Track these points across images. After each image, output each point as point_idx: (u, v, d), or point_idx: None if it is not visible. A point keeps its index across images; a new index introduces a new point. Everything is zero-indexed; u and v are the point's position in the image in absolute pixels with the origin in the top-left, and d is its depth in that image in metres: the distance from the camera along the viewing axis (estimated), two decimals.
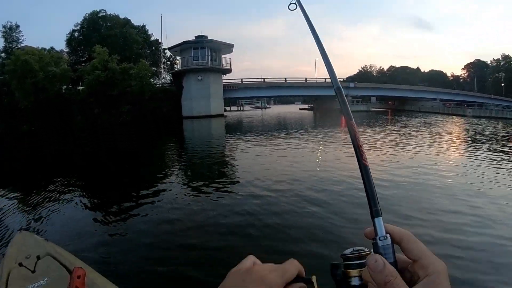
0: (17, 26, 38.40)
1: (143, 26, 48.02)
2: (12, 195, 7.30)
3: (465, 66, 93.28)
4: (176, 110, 34.20)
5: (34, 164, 11.98)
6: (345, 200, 5.88)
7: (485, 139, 15.48)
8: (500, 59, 74.34)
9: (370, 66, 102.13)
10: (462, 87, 78.17)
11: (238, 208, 5.65)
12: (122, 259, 3.91)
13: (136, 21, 50.48)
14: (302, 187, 6.84)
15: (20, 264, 2.14)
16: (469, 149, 12.54)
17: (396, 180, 7.17)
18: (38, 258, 2.22)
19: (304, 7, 0.86)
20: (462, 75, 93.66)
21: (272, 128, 24.82)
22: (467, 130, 21.42)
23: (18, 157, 14.51)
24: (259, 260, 0.53)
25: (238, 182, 7.73)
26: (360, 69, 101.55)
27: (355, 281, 0.47)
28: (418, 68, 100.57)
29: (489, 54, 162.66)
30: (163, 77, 46.39)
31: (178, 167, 10.50)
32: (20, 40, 38.33)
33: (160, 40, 48.73)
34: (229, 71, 38.19)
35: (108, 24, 41.43)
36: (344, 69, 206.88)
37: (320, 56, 0.71)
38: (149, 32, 48.60)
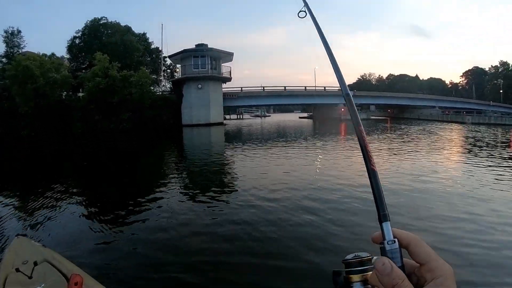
0: (19, 32, 38.63)
1: (144, 34, 48.35)
2: (10, 200, 7.28)
3: (463, 73, 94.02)
4: (176, 118, 34.27)
5: (32, 169, 11.96)
6: (344, 208, 5.86)
7: (485, 146, 15.48)
8: (498, 66, 74.85)
9: (369, 75, 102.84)
10: (461, 94, 78.53)
11: (235, 216, 5.63)
12: (120, 265, 3.88)
13: (136, 29, 50.95)
14: (300, 195, 6.82)
15: (17, 270, 2.13)
16: (469, 156, 12.54)
17: (396, 188, 7.15)
18: (35, 264, 2.20)
19: (314, 15, 0.88)
20: (461, 82, 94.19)
21: (272, 136, 24.84)
22: (466, 137, 21.45)
23: (16, 161, 14.48)
24: None
25: (236, 190, 7.71)
26: (359, 77, 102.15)
27: (357, 286, 0.47)
28: (416, 76, 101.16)
29: (487, 61, 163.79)
30: (163, 85, 46.66)
31: (176, 175, 10.48)
32: (22, 46, 38.51)
33: (160, 48, 49.04)
34: (229, 79, 38.36)
35: (109, 31, 41.71)
36: (344, 78, 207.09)
37: (330, 62, 0.72)
38: (150, 40, 48.99)
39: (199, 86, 34.55)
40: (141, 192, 7.77)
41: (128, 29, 43.88)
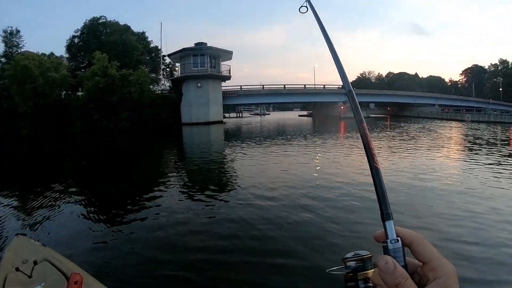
0: (18, 31, 38.49)
1: (143, 33, 48.28)
2: (9, 199, 7.28)
3: (463, 71, 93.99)
4: (175, 117, 34.27)
5: (32, 169, 11.95)
6: (344, 206, 5.87)
7: (484, 144, 15.49)
8: (498, 64, 74.79)
9: (369, 73, 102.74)
10: (460, 92, 78.42)
11: (234, 214, 5.64)
12: (119, 264, 3.89)
13: (136, 28, 50.89)
14: (299, 193, 6.82)
15: (17, 269, 2.13)
16: (469, 154, 12.56)
17: (395, 186, 7.16)
18: (35, 263, 2.20)
19: (316, 9, 0.87)
20: (460, 80, 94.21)
21: (271, 134, 24.83)
22: (466, 135, 21.45)
23: (16, 161, 14.47)
24: None
25: (235, 188, 7.71)
26: (359, 75, 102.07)
27: (361, 284, 0.47)
28: (416, 74, 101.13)
29: (487, 59, 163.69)
30: (163, 84, 46.57)
31: (175, 173, 10.47)
32: (20, 45, 38.36)
33: (159, 47, 48.98)
34: (228, 78, 38.34)
35: (108, 30, 41.61)
36: None
37: (332, 58, 0.70)
38: (149, 39, 48.91)
39: (199, 84, 34.53)
40: (140, 191, 7.78)
41: (127, 28, 43.78)
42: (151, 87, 36.82)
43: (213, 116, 35.44)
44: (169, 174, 10.13)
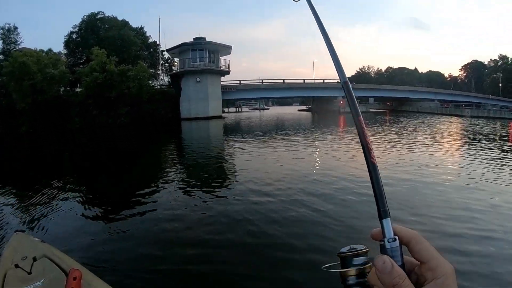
0: (15, 28, 38.24)
1: (141, 28, 47.95)
2: (8, 196, 7.27)
3: (462, 66, 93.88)
4: (174, 112, 34.20)
5: (30, 165, 11.95)
6: (343, 201, 5.88)
7: (484, 139, 15.50)
8: (498, 59, 74.68)
9: (368, 67, 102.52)
10: (460, 87, 78.39)
11: (233, 209, 5.66)
12: (118, 260, 3.90)
13: (134, 23, 50.55)
14: (298, 189, 6.83)
15: (16, 266, 2.13)
16: (469, 149, 12.57)
17: (394, 182, 7.17)
18: (34, 259, 2.21)
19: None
20: (460, 75, 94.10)
21: (271, 129, 24.82)
22: (466, 130, 21.46)
23: (14, 157, 14.46)
24: None
25: (234, 184, 7.74)
26: (358, 70, 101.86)
27: (352, 280, 0.46)
28: (415, 69, 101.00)
29: (487, 54, 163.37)
30: (161, 79, 46.42)
31: (174, 169, 10.48)
32: (18, 42, 38.13)
33: (158, 42, 48.74)
34: (227, 72, 38.22)
35: (106, 26, 41.35)
36: None
37: (326, 47, 0.67)
38: (147, 34, 48.53)
39: (198, 79, 34.44)
40: (138, 186, 7.78)
41: (125, 23, 43.51)
42: (150, 82, 36.71)
43: (212, 111, 35.37)
44: (168, 170, 10.13)
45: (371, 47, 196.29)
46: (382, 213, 0.47)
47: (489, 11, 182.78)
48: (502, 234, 4.31)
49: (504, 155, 10.81)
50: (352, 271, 0.46)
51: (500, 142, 14.52)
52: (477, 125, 25.00)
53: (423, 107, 52.50)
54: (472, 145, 13.68)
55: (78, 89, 32.61)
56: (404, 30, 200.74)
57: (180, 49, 36.41)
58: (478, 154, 10.83)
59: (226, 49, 38.23)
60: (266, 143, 15.54)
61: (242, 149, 13.52)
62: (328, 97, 48.37)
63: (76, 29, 41.91)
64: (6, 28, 37.49)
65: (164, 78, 46.58)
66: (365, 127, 0.54)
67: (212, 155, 12.71)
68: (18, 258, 2.39)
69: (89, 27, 40.90)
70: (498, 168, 8.60)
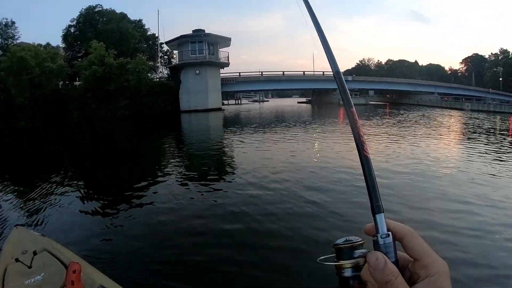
0: (13, 23, 38.02)
1: (140, 21, 47.60)
2: (8, 191, 7.29)
3: (463, 60, 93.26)
4: (174, 104, 34.07)
5: (29, 160, 11.95)
6: (341, 195, 5.90)
7: (484, 133, 15.50)
8: (498, 53, 74.19)
9: (368, 60, 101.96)
10: (460, 81, 78.04)
11: (232, 201, 5.70)
12: (117, 253, 3.94)
13: (132, 16, 50.15)
14: (297, 181, 6.85)
15: (17, 260, 2.15)
16: (468, 143, 12.58)
17: (392, 175, 7.19)
18: (35, 253, 2.22)
19: None
20: (460, 69, 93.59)
21: (270, 121, 24.80)
22: (466, 124, 21.45)
23: (13, 153, 14.46)
24: None
25: (233, 175, 7.78)
26: (358, 62, 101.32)
27: (347, 273, 0.45)
28: (416, 62, 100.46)
29: (487, 48, 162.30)
30: (160, 72, 46.23)
31: (175, 161, 10.50)
32: (16, 37, 37.94)
33: (157, 35, 48.42)
34: (227, 64, 38.03)
35: (105, 19, 41.07)
36: (342, 63, 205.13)
37: (318, 37, 0.64)
38: (146, 27, 48.24)
39: (197, 71, 34.27)
40: (137, 180, 7.78)
41: (123, 16, 43.20)
42: (149, 75, 36.57)
43: (212, 103, 35.25)
44: (166, 163, 10.14)
45: (371, 40, 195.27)
46: (375, 208, 0.46)
47: (490, 5, 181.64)
48: (500, 227, 4.34)
49: (503, 149, 10.82)
50: (347, 263, 0.45)
51: (500, 137, 14.52)
52: (477, 119, 24.96)
53: (423, 100, 52.33)
54: (471, 139, 13.69)
55: (77, 83, 32.48)
56: (404, 23, 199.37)
57: (179, 42, 36.17)
58: (477, 148, 10.84)
59: (225, 41, 37.98)
60: (266, 135, 15.56)
61: (241, 141, 13.52)
62: (328, 89, 48.23)
63: (74, 23, 41.63)
64: (4, 23, 37.35)
65: (163, 70, 46.42)
66: (358, 119, 0.52)
67: (211, 148, 12.71)
68: (18, 252, 2.40)
69: (87, 20, 40.63)
70: (498, 163, 8.62)
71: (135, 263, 3.65)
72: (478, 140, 12.89)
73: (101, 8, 42.23)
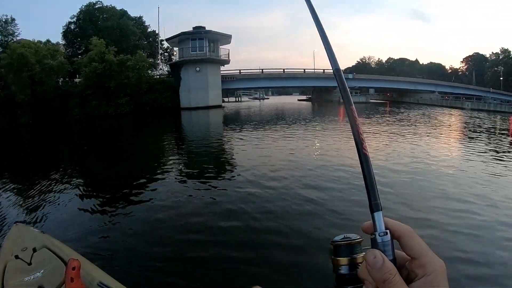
0: (13, 20, 38.02)
1: (140, 18, 47.60)
2: (8, 188, 7.31)
3: (463, 59, 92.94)
4: (174, 101, 34.06)
5: (29, 157, 11.97)
6: (340, 193, 5.90)
7: (484, 133, 15.49)
8: (499, 52, 73.96)
9: (369, 58, 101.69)
10: (461, 80, 77.79)
11: (231, 198, 5.73)
12: (117, 249, 3.95)
13: (132, 13, 50.25)
14: (296, 179, 6.86)
15: (17, 257, 2.15)
16: (469, 143, 12.56)
17: (391, 174, 7.19)
18: (34, 250, 2.23)
19: None
20: (461, 68, 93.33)
21: (270, 119, 24.77)
22: (466, 123, 21.41)
23: (13, 149, 14.48)
24: None
25: (233, 173, 7.77)
26: (359, 60, 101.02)
27: (344, 270, 0.45)
28: (416, 60, 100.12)
29: (488, 47, 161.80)
30: (161, 69, 46.20)
31: (174, 158, 10.51)
32: (16, 34, 37.95)
33: (157, 32, 48.37)
34: (227, 62, 37.92)
35: (105, 15, 41.05)
36: (343, 61, 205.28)
37: (318, 33, 0.63)
38: (146, 24, 48.27)
39: (197, 69, 34.22)
40: (140, 176, 7.80)
41: (124, 13, 43.16)
42: (149, 72, 36.54)
43: (212, 100, 35.24)
44: (166, 161, 10.15)
45: (372, 38, 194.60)
46: (374, 206, 0.46)
47: (491, 4, 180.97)
48: (498, 225, 4.35)
49: (503, 149, 10.82)
50: (344, 260, 0.46)
51: (499, 136, 14.52)
52: (478, 118, 24.91)
53: (424, 98, 52.22)
54: (471, 138, 13.68)
55: (77, 80, 32.45)
56: (405, 21, 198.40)
57: (180, 39, 36.08)
58: (477, 148, 10.84)
59: (226, 38, 37.89)
60: (265, 132, 15.58)
61: (241, 139, 13.52)
62: (328, 87, 48.17)
63: (74, 19, 41.63)
64: (4, 20, 37.37)
65: (164, 67, 46.39)
66: (357, 117, 0.52)
67: (211, 145, 12.70)
68: (18, 249, 2.41)
69: (87, 17, 40.58)
70: (497, 163, 8.61)
71: (134, 259, 3.66)
72: (478, 140, 12.89)
73: (101, 5, 42.20)
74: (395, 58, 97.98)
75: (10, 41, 34.99)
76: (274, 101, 70.91)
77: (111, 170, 9.05)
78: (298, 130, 16.41)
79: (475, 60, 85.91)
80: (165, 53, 48.79)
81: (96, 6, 41.80)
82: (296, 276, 3.30)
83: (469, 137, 13.86)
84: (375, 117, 23.79)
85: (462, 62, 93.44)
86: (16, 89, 27.21)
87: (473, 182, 6.59)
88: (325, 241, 3.88)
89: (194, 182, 7.02)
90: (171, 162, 9.80)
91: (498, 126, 19.42)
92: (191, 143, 13.70)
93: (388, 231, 0.44)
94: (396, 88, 55.94)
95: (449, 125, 19.73)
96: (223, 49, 37.88)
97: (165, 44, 45.61)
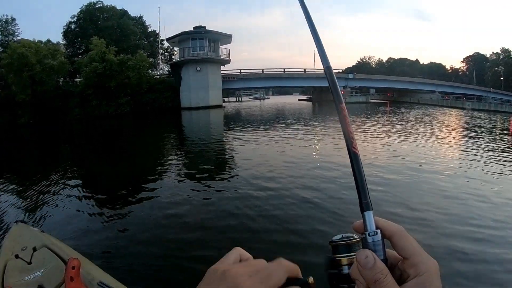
0: (13, 19, 38.04)
1: (140, 17, 47.72)
2: (8, 187, 7.32)
3: (464, 59, 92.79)
4: (174, 101, 34.11)
5: (30, 156, 11.97)
6: (343, 195, 5.90)
7: (485, 133, 15.45)
8: (500, 52, 73.89)
9: (369, 58, 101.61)
10: (461, 80, 77.73)
11: (232, 197, 5.74)
12: (117, 249, 3.95)
13: (133, 12, 50.48)
14: (297, 179, 6.86)
15: (17, 256, 2.15)
16: (469, 142, 12.53)
17: (389, 175, 7.17)
18: (34, 249, 2.23)
19: None
20: (461, 68, 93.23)
21: (271, 119, 24.76)
22: (466, 123, 21.36)
23: (14, 149, 14.48)
24: (247, 254, 0.49)
25: (233, 173, 7.78)
26: (359, 60, 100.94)
27: (345, 270, 0.45)
28: (417, 60, 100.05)
29: (489, 47, 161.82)
30: (161, 68, 46.26)
31: (175, 158, 10.51)
32: (16, 33, 37.99)
33: (157, 31, 48.42)
34: (228, 61, 37.94)
35: (105, 15, 41.15)
36: (343, 60, 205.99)
37: (309, 29, 0.62)
38: (147, 23, 48.40)
39: (198, 68, 34.24)
40: (140, 176, 7.84)
41: (124, 12, 43.26)
42: (150, 72, 36.57)
43: (213, 100, 35.27)
44: (169, 159, 10.18)
45: (372, 38, 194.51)
46: (364, 206, 0.46)
47: (492, 4, 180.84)
48: (497, 224, 4.35)
49: (503, 148, 10.81)
50: (344, 260, 0.46)
51: (501, 136, 14.49)
52: (478, 118, 24.86)
53: (424, 98, 52.16)
54: (472, 138, 13.66)
55: (77, 80, 32.47)
56: (406, 21, 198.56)
57: (180, 38, 36.10)
58: (478, 148, 10.82)
59: (226, 38, 37.90)
60: (266, 132, 15.58)
61: (241, 139, 13.51)
62: (329, 87, 48.16)
63: (75, 19, 41.75)
64: (4, 20, 37.38)
65: (164, 67, 46.45)
66: (347, 115, 0.52)
67: (211, 145, 12.68)
68: (18, 248, 2.41)
69: (88, 17, 40.68)
70: (497, 163, 8.59)
71: (134, 259, 3.67)
72: (479, 140, 12.86)
73: (101, 5, 42.32)
74: (396, 58, 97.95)
75: (10, 41, 35.00)
76: (275, 101, 70.94)
77: (111, 170, 9.06)
78: (298, 130, 16.41)
79: (476, 60, 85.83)
80: (166, 53, 48.84)
81: (97, 6, 41.91)
82: None
83: (469, 137, 13.83)
84: (375, 116, 23.78)
85: (462, 62, 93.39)
86: (16, 89, 27.21)
87: (473, 182, 6.57)
88: (324, 239, 3.87)
89: (194, 182, 7.03)
90: (171, 162, 9.80)
91: (499, 126, 19.38)
92: (191, 143, 13.71)
93: (378, 230, 0.44)
94: (396, 88, 55.95)
95: (450, 125, 19.70)
96: (224, 49, 37.95)
97: (166, 44, 45.69)
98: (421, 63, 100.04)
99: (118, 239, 4.23)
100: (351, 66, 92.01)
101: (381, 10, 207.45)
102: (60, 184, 7.12)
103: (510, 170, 7.71)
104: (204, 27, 35.96)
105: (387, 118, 22.59)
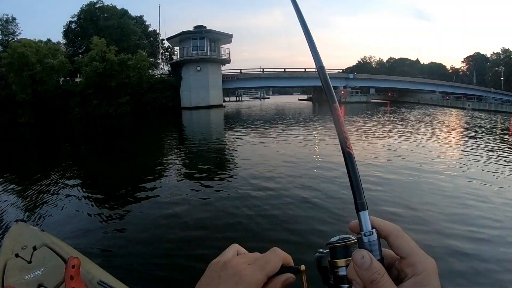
0: (13, 19, 38.05)
1: (141, 17, 47.73)
2: (8, 186, 7.33)
3: (464, 59, 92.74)
4: (175, 101, 34.09)
5: (30, 155, 11.98)
6: (343, 195, 5.90)
7: (485, 133, 15.45)
8: (500, 52, 73.80)
9: (369, 58, 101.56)
10: (462, 80, 77.61)
11: (231, 197, 5.75)
12: (117, 248, 3.96)
13: (133, 12, 50.52)
14: (296, 178, 6.87)
15: (17, 255, 2.15)
16: (469, 142, 12.53)
17: (389, 175, 7.18)
18: (34, 248, 2.23)
19: None
20: (462, 68, 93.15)
21: (271, 118, 24.75)
22: (467, 123, 21.35)
23: (14, 149, 14.49)
24: (244, 249, 0.50)
25: (235, 172, 7.77)
26: (359, 60, 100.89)
27: (342, 271, 0.45)
28: (417, 60, 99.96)
29: (489, 47, 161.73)
30: (161, 68, 46.25)
31: (175, 158, 10.50)
32: (17, 33, 38.00)
33: (158, 31, 48.44)
34: (228, 61, 37.93)
35: (106, 15, 41.15)
36: (343, 60, 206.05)
37: (301, 28, 0.63)
38: (147, 23, 48.42)
39: (198, 68, 34.22)
40: (141, 176, 7.83)
41: (124, 12, 43.27)
42: (150, 71, 36.55)
43: (213, 100, 35.25)
44: (169, 159, 10.18)
45: (372, 37, 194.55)
46: (359, 206, 0.46)
47: (492, 4, 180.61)
48: (496, 223, 4.35)
49: (504, 148, 10.80)
50: (341, 262, 0.45)
51: (501, 136, 14.48)
52: (478, 118, 24.84)
53: (424, 98, 52.11)
54: (472, 138, 13.65)
55: (78, 79, 32.46)
56: (406, 21, 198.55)
57: (180, 38, 36.07)
58: (478, 148, 10.82)
59: (226, 38, 37.87)
60: (266, 132, 15.59)
61: (241, 139, 13.51)
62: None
63: (75, 19, 41.78)
64: (4, 19, 37.37)
65: (164, 67, 46.45)
66: (341, 115, 0.51)
67: (211, 145, 12.68)
68: (18, 247, 2.41)
69: (88, 17, 40.68)
70: (497, 163, 8.59)
71: (134, 258, 3.68)
72: (479, 140, 12.86)
73: (102, 4, 42.33)
74: (396, 58, 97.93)
75: (11, 40, 34.98)
76: (275, 100, 70.89)
77: (112, 170, 9.06)
78: (298, 130, 16.41)
79: (476, 60, 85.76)
80: (166, 53, 48.89)
81: (97, 6, 41.92)
82: None
83: (470, 137, 13.83)
84: (376, 116, 23.75)
85: (463, 62, 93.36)
86: (16, 88, 27.19)
87: (473, 182, 6.57)
88: (323, 239, 3.87)
89: (194, 181, 7.04)
90: (171, 161, 9.80)
91: (499, 126, 19.37)
92: (191, 143, 13.72)
93: (374, 230, 0.44)
94: (397, 88, 55.91)
95: (450, 125, 19.69)
96: (224, 49, 37.93)
97: (166, 44, 45.73)
98: (422, 63, 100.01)
99: (118, 238, 4.24)
100: (352, 66, 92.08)
101: (381, 10, 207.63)
102: (60, 184, 7.12)
103: (510, 170, 7.72)
104: (205, 27, 35.95)
105: (388, 118, 22.58)
